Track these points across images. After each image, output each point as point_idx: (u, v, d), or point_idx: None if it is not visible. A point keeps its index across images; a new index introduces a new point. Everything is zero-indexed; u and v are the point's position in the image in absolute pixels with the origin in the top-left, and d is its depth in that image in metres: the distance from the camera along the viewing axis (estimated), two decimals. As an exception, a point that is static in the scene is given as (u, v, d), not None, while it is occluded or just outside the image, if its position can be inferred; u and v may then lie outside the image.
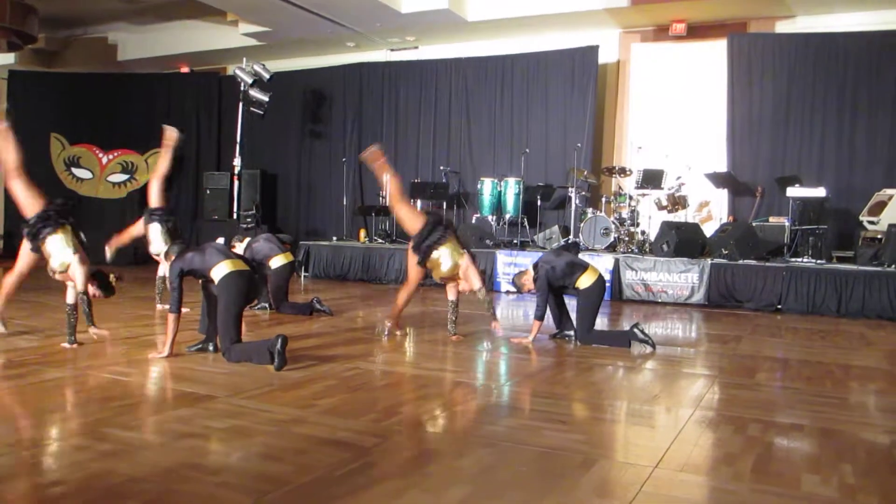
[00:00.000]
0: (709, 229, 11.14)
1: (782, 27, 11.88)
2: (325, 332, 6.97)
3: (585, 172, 11.73)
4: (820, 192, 10.04)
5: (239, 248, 7.95)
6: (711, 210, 12.15)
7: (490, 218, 12.38)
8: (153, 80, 16.13)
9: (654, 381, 5.33)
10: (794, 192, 10.15)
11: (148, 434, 3.64)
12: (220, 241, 8.38)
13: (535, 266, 6.57)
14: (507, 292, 10.87)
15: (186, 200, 15.93)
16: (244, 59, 13.79)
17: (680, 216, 11.21)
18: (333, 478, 3.11)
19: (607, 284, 7.48)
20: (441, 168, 13.38)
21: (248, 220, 13.64)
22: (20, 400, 4.30)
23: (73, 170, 14.79)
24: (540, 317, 6.44)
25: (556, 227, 11.73)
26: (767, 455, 3.60)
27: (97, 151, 15.03)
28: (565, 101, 12.85)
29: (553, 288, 6.51)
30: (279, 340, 5.08)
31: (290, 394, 4.52)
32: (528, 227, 12.23)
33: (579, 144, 12.07)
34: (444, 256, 6.46)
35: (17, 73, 15.99)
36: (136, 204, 14.94)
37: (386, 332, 6.84)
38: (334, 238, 13.52)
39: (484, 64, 13.60)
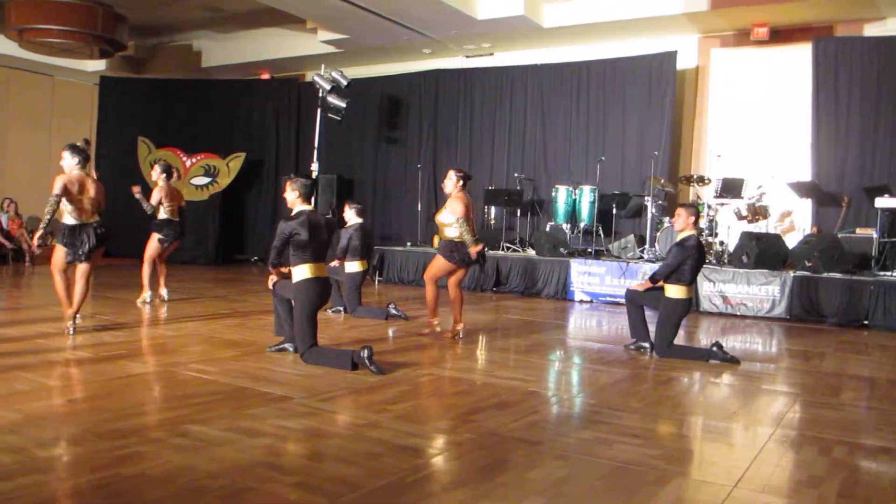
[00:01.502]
0: (791, 240, 10.76)
1: (871, 30, 11.40)
2: (399, 338, 7.03)
3: (662, 181, 11.51)
4: (912, 202, 9.59)
5: (348, 211, 8.47)
6: (794, 220, 11.74)
7: (564, 226, 12.26)
8: (235, 86, 16.62)
9: (732, 396, 5.18)
10: (882, 202, 9.71)
11: (226, 432, 3.73)
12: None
13: (683, 244, 6.25)
14: (581, 301, 10.75)
15: (265, 204, 16.34)
16: (322, 66, 14.05)
17: (760, 227, 10.87)
18: (406, 483, 3.13)
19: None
20: (515, 175, 13.34)
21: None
22: (105, 393, 4.47)
23: (159, 173, 15.34)
24: (654, 280, 6.46)
25: (631, 237, 11.53)
26: (854, 479, 3.45)
27: (181, 155, 15.55)
28: (642, 107, 12.64)
29: (669, 272, 6.30)
30: (366, 350, 5.17)
31: (363, 398, 4.57)
32: (602, 235, 12.06)
33: (656, 152, 11.86)
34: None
35: (108, 80, 16.70)
36: (217, 205, 15.44)
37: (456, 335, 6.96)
38: (408, 244, 13.63)
39: (559, 70, 13.51)
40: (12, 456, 3.23)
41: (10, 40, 13.30)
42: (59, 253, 6.46)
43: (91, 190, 6.47)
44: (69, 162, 6.40)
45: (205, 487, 2.99)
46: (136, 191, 8.65)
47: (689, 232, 6.35)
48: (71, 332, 6.35)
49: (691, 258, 6.22)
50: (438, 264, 6.89)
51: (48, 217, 6.16)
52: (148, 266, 8.65)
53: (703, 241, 10.55)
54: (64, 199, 6.29)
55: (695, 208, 6.51)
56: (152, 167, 9.36)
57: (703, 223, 10.83)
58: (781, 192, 11.16)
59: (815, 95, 11.32)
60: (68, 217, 6.39)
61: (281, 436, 3.74)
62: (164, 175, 8.73)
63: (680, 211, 6.46)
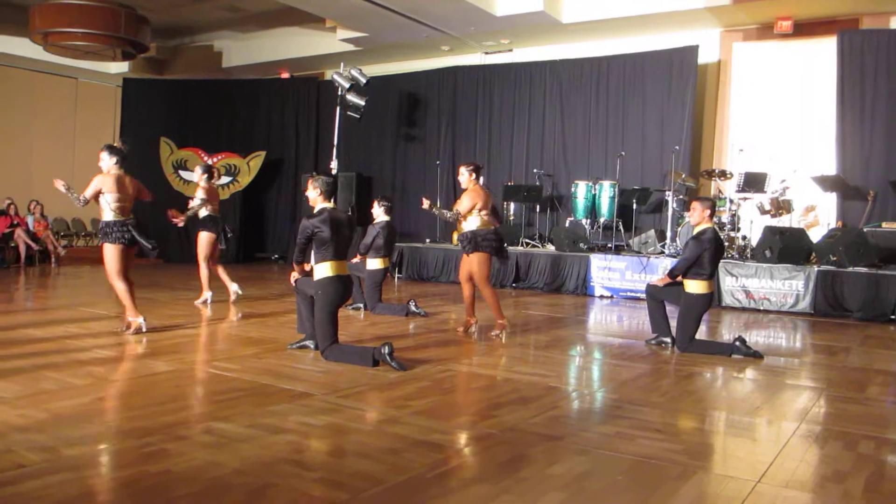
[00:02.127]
0: (815, 235, 10.65)
1: (898, 22, 11.26)
2: (419, 334, 7.05)
3: (683, 175, 11.44)
4: (939, 196, 9.46)
5: (376, 208, 8.42)
6: (818, 215, 11.61)
7: (584, 221, 12.22)
8: (255, 85, 16.73)
9: (755, 391, 5.14)
10: (909, 195, 9.60)
11: (249, 428, 3.77)
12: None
13: (699, 237, 6.22)
14: (601, 297, 10.72)
15: (286, 202, 16.44)
16: (342, 65, 14.10)
17: (784, 221, 10.77)
18: (426, 479, 3.14)
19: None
20: (534, 171, 13.31)
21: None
22: (131, 392, 4.53)
23: (181, 172, 15.48)
24: (673, 276, 6.37)
25: (651, 232, 11.46)
26: (880, 474, 3.41)
27: (203, 155, 15.68)
28: (663, 102, 12.56)
29: (687, 267, 6.25)
30: (386, 347, 5.20)
31: (384, 394, 4.60)
32: (622, 230, 12.01)
33: (677, 147, 11.78)
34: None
35: (131, 81, 16.88)
36: (238, 204, 15.56)
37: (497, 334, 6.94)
38: (427, 240, 13.65)
39: (579, 66, 13.45)
40: (41, 454, 3.28)
41: (35, 44, 13.49)
42: (114, 254, 6.39)
43: (130, 188, 6.54)
44: (108, 162, 6.43)
45: (230, 484, 3.02)
46: (189, 207, 8.69)
47: (706, 225, 6.32)
48: (140, 330, 6.49)
49: (708, 251, 6.17)
50: (480, 261, 6.78)
51: (76, 198, 6.20)
52: (205, 266, 8.68)
53: (725, 236, 10.51)
54: (106, 197, 6.33)
55: (710, 201, 6.45)
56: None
57: (725, 218, 10.75)
58: (805, 187, 11.05)
59: (840, 89, 11.18)
60: (109, 214, 6.38)
61: (303, 432, 3.77)
62: (206, 176, 8.82)
63: (695, 205, 6.42)
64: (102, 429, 3.74)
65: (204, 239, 8.67)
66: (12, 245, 13.61)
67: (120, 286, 6.46)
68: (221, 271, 8.90)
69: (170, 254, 14.97)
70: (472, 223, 6.82)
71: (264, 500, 2.88)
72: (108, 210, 6.38)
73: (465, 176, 6.91)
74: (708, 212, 6.34)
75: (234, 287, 8.86)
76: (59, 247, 14.31)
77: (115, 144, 6.61)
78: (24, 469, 3.09)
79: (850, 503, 3.02)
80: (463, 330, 7.05)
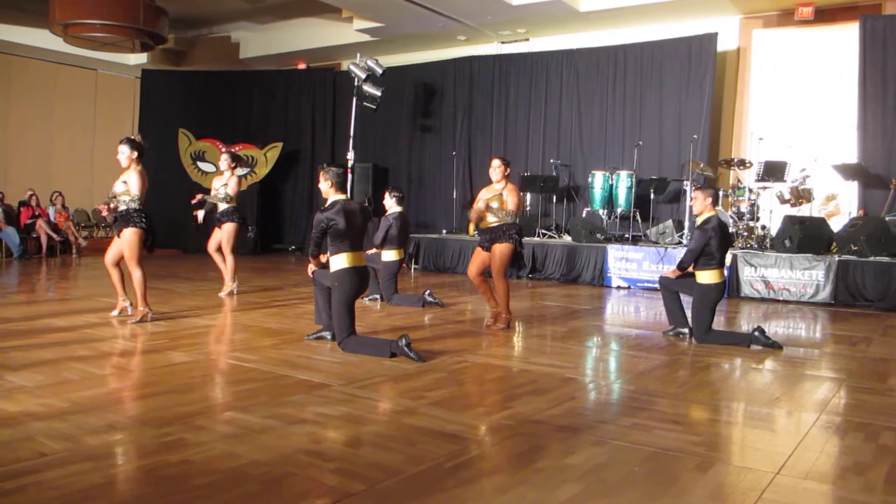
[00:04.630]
0: (836, 224, 10.55)
1: (922, 7, 11.08)
2: (435, 325, 7.05)
3: (702, 165, 11.34)
4: (963, 184, 9.33)
5: (388, 199, 8.43)
6: (839, 204, 11.49)
7: (601, 212, 12.17)
8: (272, 76, 16.78)
9: (774, 382, 5.10)
10: (932, 184, 9.47)
11: (267, 419, 3.79)
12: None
13: (703, 226, 6.23)
14: (618, 288, 10.68)
15: (302, 193, 16.49)
16: (358, 55, 14.09)
17: (804, 210, 10.66)
18: (443, 470, 3.14)
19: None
20: (551, 161, 13.26)
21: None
22: (151, 382, 4.56)
23: (199, 163, 15.57)
24: (682, 268, 6.36)
25: (669, 222, 11.40)
26: (901, 466, 3.38)
27: (220, 146, 15.75)
28: (681, 91, 12.45)
29: (695, 258, 6.25)
30: (404, 339, 5.23)
31: (400, 385, 4.60)
32: (640, 221, 11.94)
33: (695, 136, 11.69)
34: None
35: (149, 72, 16.98)
36: (255, 196, 15.63)
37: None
38: (444, 231, 13.64)
39: (596, 55, 13.36)
40: (63, 443, 3.32)
41: (54, 35, 13.58)
42: (138, 240, 6.40)
43: (147, 182, 6.59)
44: (128, 155, 6.43)
45: (247, 473, 3.03)
46: (199, 198, 8.70)
47: (709, 213, 6.29)
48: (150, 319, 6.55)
49: (714, 239, 6.14)
50: (501, 254, 6.71)
51: (122, 205, 6.24)
52: (231, 257, 8.61)
53: (744, 226, 10.43)
54: (132, 187, 6.40)
55: (712, 189, 6.44)
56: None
57: (744, 207, 10.66)
58: (826, 175, 10.94)
59: (862, 75, 11.04)
60: (135, 202, 6.42)
61: (320, 422, 3.78)
62: (236, 165, 8.78)
63: (696, 194, 6.41)
64: (122, 418, 3.77)
65: (232, 230, 8.58)
66: (34, 236, 13.77)
67: (137, 274, 6.49)
68: (227, 262, 8.77)
69: (187, 245, 15.06)
70: (493, 217, 6.77)
71: (281, 489, 2.90)
72: (135, 198, 6.47)
73: (499, 170, 6.76)
74: (710, 200, 6.32)
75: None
76: (80, 238, 14.45)
77: (134, 138, 6.57)
78: (46, 458, 3.13)
79: (871, 495, 2.99)
80: (493, 323, 6.98)
